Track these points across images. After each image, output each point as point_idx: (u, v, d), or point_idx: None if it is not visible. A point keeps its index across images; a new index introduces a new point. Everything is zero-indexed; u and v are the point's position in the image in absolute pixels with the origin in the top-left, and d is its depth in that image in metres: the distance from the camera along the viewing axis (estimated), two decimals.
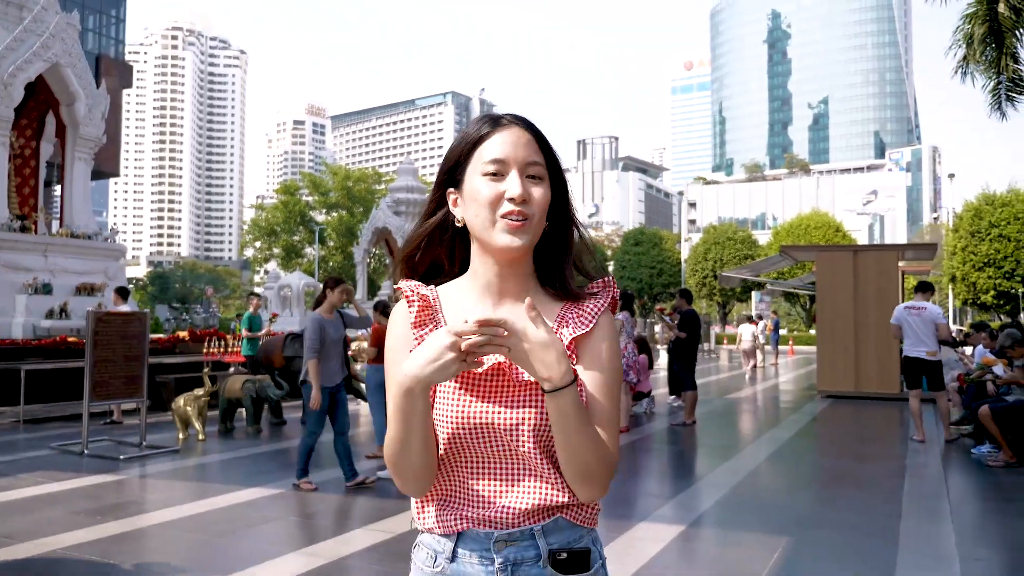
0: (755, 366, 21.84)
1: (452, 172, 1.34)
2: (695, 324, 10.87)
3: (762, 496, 6.65)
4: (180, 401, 8.96)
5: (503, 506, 1.28)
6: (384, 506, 5.92)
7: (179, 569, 4.50)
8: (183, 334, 14.59)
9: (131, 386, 8.46)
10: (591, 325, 1.31)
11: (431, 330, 1.31)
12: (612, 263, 58.35)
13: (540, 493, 1.28)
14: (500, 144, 1.29)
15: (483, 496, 1.29)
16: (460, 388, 1.28)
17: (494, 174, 1.28)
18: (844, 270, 14.33)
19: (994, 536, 5.36)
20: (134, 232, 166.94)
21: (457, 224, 1.34)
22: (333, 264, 56.16)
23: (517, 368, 1.26)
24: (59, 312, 14.81)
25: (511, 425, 1.26)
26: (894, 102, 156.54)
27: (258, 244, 59.20)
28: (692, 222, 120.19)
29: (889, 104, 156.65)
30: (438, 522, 1.32)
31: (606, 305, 1.34)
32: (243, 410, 10.10)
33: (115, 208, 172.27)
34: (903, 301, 13.86)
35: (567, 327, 1.32)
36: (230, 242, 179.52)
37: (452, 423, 1.27)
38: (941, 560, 4.67)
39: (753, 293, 44.99)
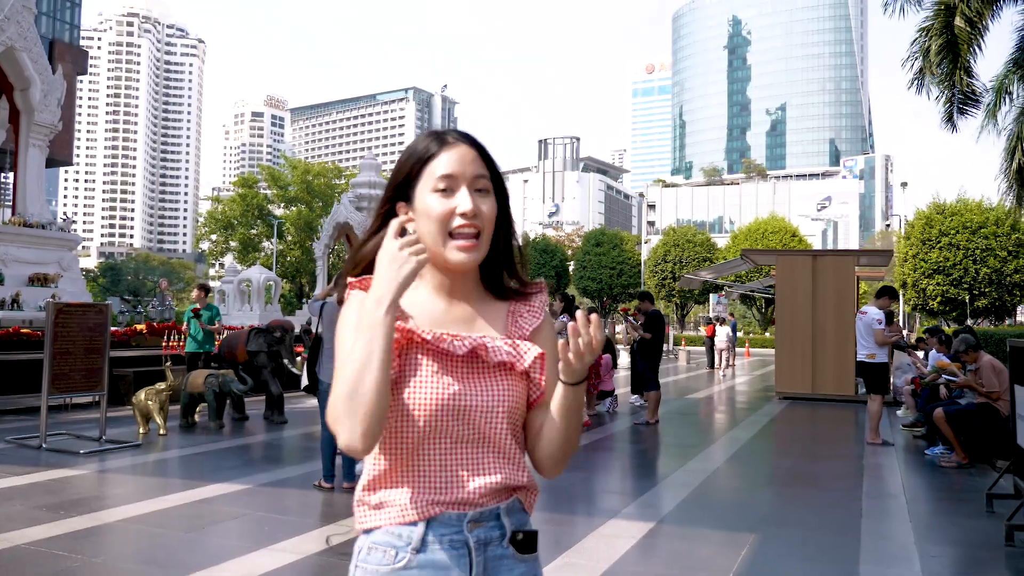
0: (728, 363, 23.19)
1: (402, 188, 1.42)
2: (660, 325, 11.01)
3: (726, 495, 6.77)
4: (141, 395, 8.79)
5: (475, 486, 1.34)
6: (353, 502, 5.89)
7: (148, 564, 4.44)
8: (141, 327, 14.29)
9: (91, 379, 8.28)
10: (541, 317, 1.47)
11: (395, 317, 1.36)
12: (572, 263, 58.61)
13: (506, 471, 1.37)
14: (449, 162, 1.37)
15: (455, 478, 1.34)
16: (438, 371, 1.34)
17: (444, 190, 1.36)
18: (803, 274, 14.64)
19: (950, 534, 5.53)
20: (85, 222, 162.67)
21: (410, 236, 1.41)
22: (291, 259, 55.47)
23: (492, 351, 1.36)
24: (11, 303, 14.42)
25: (488, 407, 1.34)
26: (849, 111, 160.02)
27: (214, 237, 58.12)
28: (651, 224, 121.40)
29: (844, 112, 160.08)
30: (404, 512, 1.33)
31: (546, 300, 1.50)
32: (204, 405, 9.95)
33: (65, 197, 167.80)
34: (859, 306, 14.23)
35: (522, 318, 1.45)
36: (184, 234, 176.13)
37: (431, 405, 1.32)
38: (901, 556, 4.82)
39: (711, 295, 45.62)
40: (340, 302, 6.41)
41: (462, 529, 1.33)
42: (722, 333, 23.65)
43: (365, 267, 1.44)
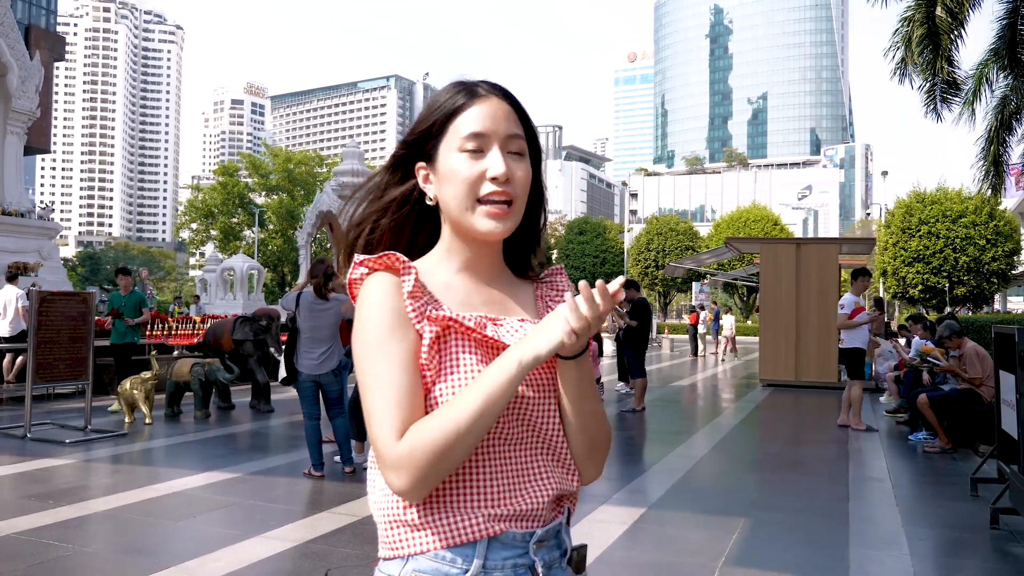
0: (733, 349, 23.96)
1: (420, 144, 1.21)
2: (646, 313, 11.05)
3: (715, 481, 6.83)
4: (127, 384, 8.72)
5: (536, 496, 1.14)
6: (344, 491, 5.89)
7: (140, 554, 4.41)
8: None
9: (76, 368, 8.21)
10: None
11: (426, 303, 1.14)
12: (556, 252, 58.69)
13: (558, 475, 1.19)
14: (479, 117, 1.17)
15: (514, 487, 1.13)
16: (482, 361, 1.13)
17: (473, 150, 1.16)
18: (787, 262, 14.74)
19: (936, 517, 5.61)
20: (62, 211, 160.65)
21: (428, 202, 1.22)
22: (273, 247, 55.09)
23: None
24: None
25: (540, 400, 1.16)
26: (830, 100, 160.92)
27: (194, 226, 57.65)
28: (633, 212, 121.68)
29: (825, 102, 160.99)
30: (457, 531, 1.10)
31: (568, 284, 1.32)
32: (189, 394, 9.89)
33: (42, 185, 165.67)
34: (841, 294, 14.35)
35: (553, 302, 1.28)
36: (164, 223, 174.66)
37: None
38: (889, 539, 4.89)
39: (693, 284, 45.84)
40: (317, 291, 6.37)
41: (527, 551, 1.13)
42: (728, 321, 24.20)
43: (372, 231, 1.25)
